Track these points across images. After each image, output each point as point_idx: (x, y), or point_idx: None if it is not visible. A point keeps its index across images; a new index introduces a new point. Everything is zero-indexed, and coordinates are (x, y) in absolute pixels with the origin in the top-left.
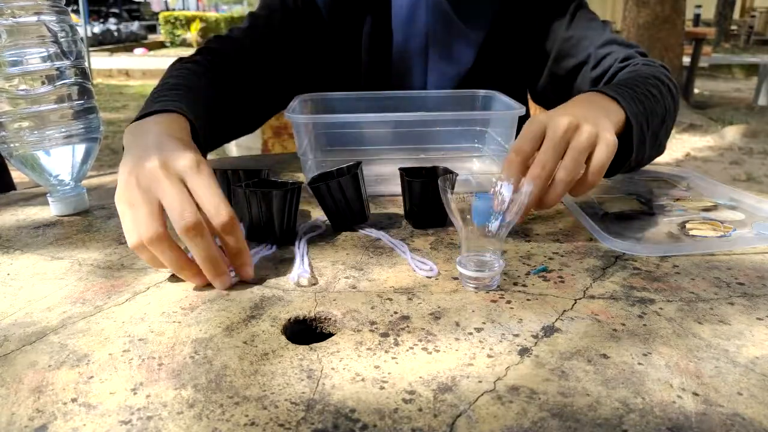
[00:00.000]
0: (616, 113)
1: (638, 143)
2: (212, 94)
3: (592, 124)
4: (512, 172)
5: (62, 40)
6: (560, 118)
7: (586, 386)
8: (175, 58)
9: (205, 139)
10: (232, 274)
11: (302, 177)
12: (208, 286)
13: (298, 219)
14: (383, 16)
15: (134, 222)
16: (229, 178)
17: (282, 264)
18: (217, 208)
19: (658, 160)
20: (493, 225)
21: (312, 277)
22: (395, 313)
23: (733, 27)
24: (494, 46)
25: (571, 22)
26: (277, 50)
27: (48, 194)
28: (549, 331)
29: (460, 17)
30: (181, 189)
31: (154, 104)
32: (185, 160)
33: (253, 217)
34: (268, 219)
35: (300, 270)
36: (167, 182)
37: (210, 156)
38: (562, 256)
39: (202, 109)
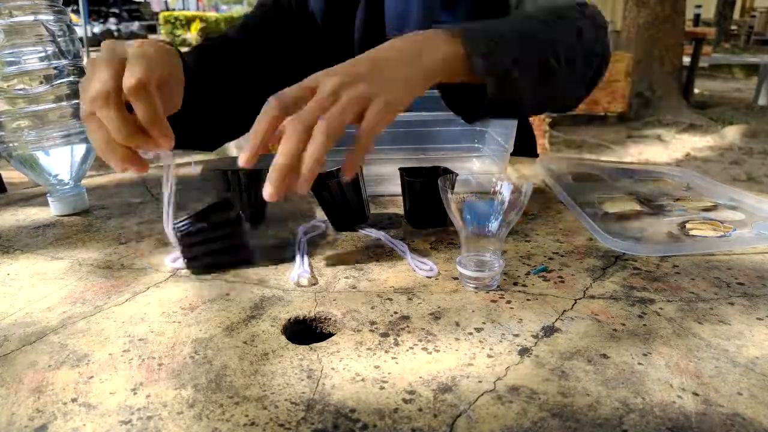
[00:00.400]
0: (443, 51)
1: (499, 75)
2: (202, 82)
3: (371, 82)
4: (259, 127)
5: (60, 39)
6: (332, 77)
7: (586, 386)
8: None
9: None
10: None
11: None
12: (207, 285)
13: (299, 218)
14: (376, 17)
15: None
16: (228, 179)
17: (282, 264)
18: (128, 72)
19: (658, 159)
20: (493, 225)
21: (312, 277)
22: (395, 313)
23: (733, 27)
24: None
25: None
26: (268, 47)
27: (48, 194)
28: (549, 331)
29: (446, 12)
30: (109, 65)
31: None
32: (136, 41)
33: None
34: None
35: (300, 270)
36: (105, 60)
37: (210, 156)
38: (562, 256)
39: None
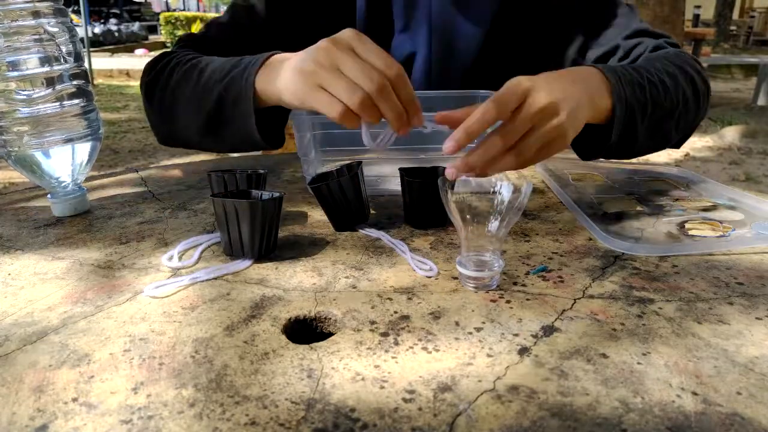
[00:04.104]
0: (604, 98)
1: (623, 131)
2: None
3: (567, 112)
4: (473, 126)
5: (61, 42)
6: (541, 95)
7: (586, 386)
8: None
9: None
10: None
11: (302, 177)
12: (208, 285)
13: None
14: (382, 3)
15: (338, 94)
16: (225, 181)
17: (282, 264)
18: (387, 64)
19: (658, 159)
20: (493, 225)
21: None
22: (395, 312)
23: (733, 27)
24: (503, 28)
25: (592, 5)
26: (261, 43)
27: (49, 195)
28: (548, 330)
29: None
30: (357, 58)
31: (246, 68)
32: (347, 32)
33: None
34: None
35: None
36: (345, 55)
37: (209, 156)
38: (561, 255)
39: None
